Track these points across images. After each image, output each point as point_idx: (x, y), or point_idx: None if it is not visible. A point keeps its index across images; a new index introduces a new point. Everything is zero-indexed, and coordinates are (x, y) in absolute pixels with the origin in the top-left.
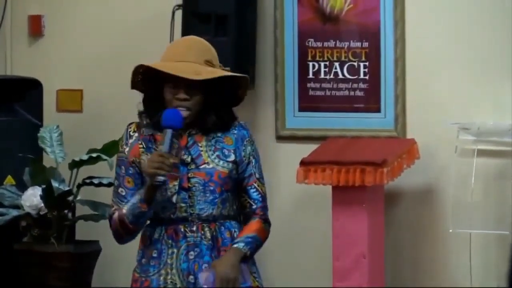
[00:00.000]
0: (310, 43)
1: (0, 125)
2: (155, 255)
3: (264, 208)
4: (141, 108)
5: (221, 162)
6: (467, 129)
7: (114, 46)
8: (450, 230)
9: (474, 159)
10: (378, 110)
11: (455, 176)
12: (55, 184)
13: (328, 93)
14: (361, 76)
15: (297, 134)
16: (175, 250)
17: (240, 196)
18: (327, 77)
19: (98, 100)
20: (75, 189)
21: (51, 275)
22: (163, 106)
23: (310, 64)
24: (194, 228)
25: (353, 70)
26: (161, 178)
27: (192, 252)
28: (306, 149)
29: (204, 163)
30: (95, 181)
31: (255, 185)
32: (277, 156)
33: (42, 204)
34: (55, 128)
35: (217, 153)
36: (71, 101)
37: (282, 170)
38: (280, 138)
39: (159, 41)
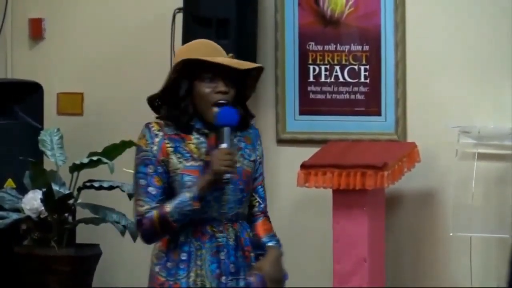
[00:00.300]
0: (310, 46)
1: (0, 128)
2: (184, 258)
3: (267, 206)
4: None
5: (246, 161)
6: (468, 132)
7: (114, 49)
8: (451, 234)
9: (474, 163)
10: (378, 113)
11: (456, 180)
12: (55, 187)
13: (328, 96)
14: (362, 79)
15: (298, 137)
16: (203, 252)
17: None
18: (328, 80)
19: (99, 103)
20: (75, 193)
21: (52, 279)
22: (191, 105)
23: (311, 67)
24: (221, 228)
25: (354, 74)
26: (229, 175)
27: (222, 253)
28: (306, 153)
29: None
30: (96, 184)
31: (263, 184)
32: (278, 160)
33: (43, 208)
34: (56, 131)
35: (241, 152)
36: (72, 104)
37: (282, 173)
38: (280, 141)
39: (159, 44)
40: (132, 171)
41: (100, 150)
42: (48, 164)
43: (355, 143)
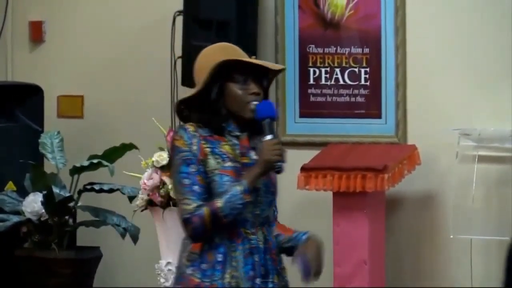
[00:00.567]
0: (311, 49)
1: (0, 131)
2: (219, 259)
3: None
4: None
5: None
6: (468, 135)
7: (114, 52)
8: (451, 236)
9: (475, 165)
10: (379, 116)
11: (456, 182)
12: (56, 190)
13: (329, 99)
14: (362, 82)
15: (298, 140)
16: (237, 253)
17: None
18: (328, 83)
19: (99, 106)
20: (76, 195)
21: (52, 281)
22: (224, 107)
23: (311, 70)
24: (253, 230)
25: (354, 76)
26: (281, 164)
27: (256, 255)
28: (307, 155)
29: None
30: (96, 187)
31: None
32: None
33: (43, 210)
34: (56, 134)
35: (256, 157)
36: (72, 107)
37: (283, 176)
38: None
39: (160, 47)
40: (133, 174)
41: (100, 153)
42: (49, 166)
43: (355, 145)
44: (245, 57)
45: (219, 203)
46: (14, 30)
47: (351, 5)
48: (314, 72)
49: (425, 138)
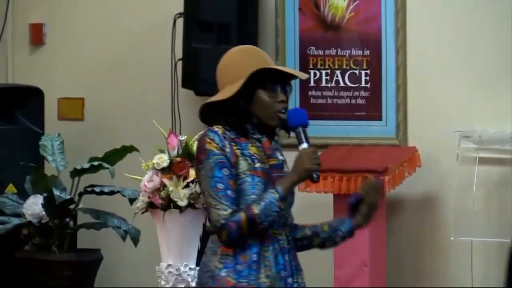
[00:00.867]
0: (311, 51)
1: (1, 133)
2: (255, 259)
3: None
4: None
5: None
6: (469, 137)
7: (115, 54)
8: (452, 238)
9: (475, 167)
10: (379, 118)
11: (457, 184)
12: (56, 192)
13: (329, 101)
14: (363, 84)
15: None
16: (269, 254)
17: None
18: (329, 85)
19: (99, 108)
20: (76, 198)
21: (53, 284)
22: (251, 111)
23: (312, 72)
24: (280, 231)
25: (355, 78)
26: (318, 173)
27: (286, 255)
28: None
29: (285, 167)
30: (97, 189)
31: None
32: None
33: (44, 213)
34: (56, 136)
35: (282, 157)
36: (72, 109)
37: None
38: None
39: (160, 49)
40: (134, 177)
41: (101, 155)
42: (49, 169)
43: (355, 147)
44: (273, 63)
45: (256, 209)
46: (14, 32)
47: (351, 7)
48: (315, 74)
49: (426, 140)
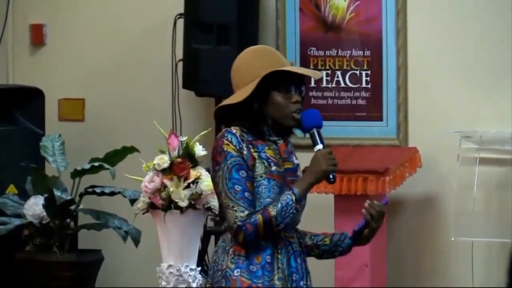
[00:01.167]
0: (312, 51)
1: (2, 134)
2: (269, 260)
3: None
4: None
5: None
6: (469, 137)
7: (116, 55)
8: (452, 238)
9: (476, 168)
10: (380, 118)
11: (457, 184)
12: (57, 193)
13: (330, 101)
14: (363, 84)
15: (300, 142)
16: (281, 256)
17: None
18: (329, 85)
19: (100, 109)
20: (77, 198)
21: (53, 284)
22: (266, 113)
23: None
24: (292, 234)
25: (355, 79)
26: (335, 174)
27: (299, 259)
28: (308, 158)
29: (299, 171)
30: (97, 190)
31: None
32: None
33: (44, 213)
34: (57, 137)
35: (296, 160)
36: (73, 110)
37: None
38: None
39: (160, 50)
40: (134, 177)
41: (101, 156)
42: (50, 170)
43: (356, 148)
44: (287, 64)
45: (273, 211)
46: (15, 33)
47: (352, 7)
48: None
49: (426, 140)
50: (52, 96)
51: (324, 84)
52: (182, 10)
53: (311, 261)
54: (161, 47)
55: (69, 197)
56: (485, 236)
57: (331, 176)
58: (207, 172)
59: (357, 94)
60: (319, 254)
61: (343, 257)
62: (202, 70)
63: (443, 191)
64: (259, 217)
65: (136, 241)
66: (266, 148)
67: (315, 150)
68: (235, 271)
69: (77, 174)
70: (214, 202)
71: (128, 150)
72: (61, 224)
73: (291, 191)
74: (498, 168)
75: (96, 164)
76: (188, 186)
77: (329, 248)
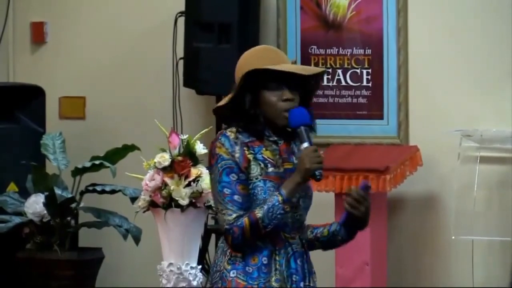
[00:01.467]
0: (313, 50)
1: (2, 132)
2: (265, 262)
3: None
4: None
5: None
6: (470, 136)
7: (116, 53)
8: (453, 237)
9: (477, 166)
10: (381, 117)
11: (458, 183)
12: (58, 191)
13: (331, 100)
14: (364, 83)
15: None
16: (280, 257)
17: None
18: (330, 84)
19: (101, 108)
20: (78, 196)
21: (54, 283)
22: (261, 113)
23: None
24: (293, 235)
25: (356, 77)
26: (321, 172)
27: (299, 259)
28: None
29: None
30: (98, 188)
31: None
32: None
33: (45, 211)
34: (58, 135)
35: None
36: (74, 108)
37: None
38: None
39: (161, 48)
40: (135, 176)
41: (102, 154)
42: (51, 168)
43: (357, 146)
44: (285, 62)
45: (259, 213)
46: (15, 31)
47: (353, 6)
48: None
49: (427, 139)
50: (53, 94)
51: (325, 83)
52: (183, 9)
53: (312, 259)
54: (162, 46)
55: (69, 195)
56: (486, 234)
57: (316, 174)
58: (207, 171)
59: (358, 92)
60: (321, 246)
61: (344, 255)
62: (203, 68)
63: (444, 189)
64: (245, 220)
65: (137, 239)
66: (264, 149)
67: (302, 148)
68: (231, 272)
69: (78, 172)
70: None
71: (128, 148)
72: (62, 222)
73: (278, 192)
74: (499, 166)
75: (97, 162)
76: (188, 184)
77: (328, 239)
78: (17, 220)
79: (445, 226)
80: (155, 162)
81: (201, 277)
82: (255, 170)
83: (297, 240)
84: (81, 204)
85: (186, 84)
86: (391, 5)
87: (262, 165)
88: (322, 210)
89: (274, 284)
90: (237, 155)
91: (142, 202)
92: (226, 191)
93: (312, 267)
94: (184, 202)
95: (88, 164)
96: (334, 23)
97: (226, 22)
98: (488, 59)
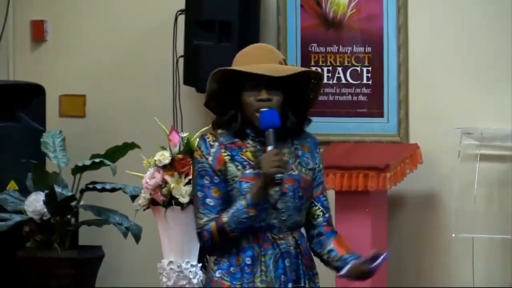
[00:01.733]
0: (313, 48)
1: (2, 131)
2: (248, 262)
3: (331, 218)
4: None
5: (303, 170)
6: (470, 134)
7: (117, 52)
8: (453, 235)
9: (477, 164)
10: (381, 115)
11: (458, 181)
12: (58, 189)
13: (331, 98)
14: (364, 81)
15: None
16: (266, 258)
17: (310, 204)
18: (330, 82)
19: (101, 106)
20: (78, 194)
21: (54, 281)
22: (240, 113)
23: (313, 69)
24: (282, 236)
25: (356, 75)
26: (281, 176)
27: (287, 260)
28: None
29: (291, 170)
30: (98, 186)
31: (325, 193)
32: None
33: (45, 210)
34: (58, 133)
35: (298, 160)
36: (74, 106)
37: None
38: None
39: (162, 46)
40: (135, 174)
41: (102, 152)
42: (51, 166)
43: (357, 144)
44: (267, 61)
45: (225, 217)
46: (15, 29)
47: (353, 4)
48: None
49: (427, 137)
50: (53, 92)
51: (325, 81)
52: (183, 7)
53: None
54: (162, 44)
55: (69, 193)
56: (486, 232)
57: (276, 178)
58: None
59: (358, 90)
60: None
61: None
62: (203, 66)
63: (444, 187)
64: (213, 224)
65: (137, 238)
66: (244, 150)
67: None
68: (217, 273)
69: (78, 170)
70: None
71: (129, 146)
72: (62, 220)
73: (243, 196)
74: (499, 164)
75: (97, 160)
76: (189, 182)
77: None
78: (17, 218)
79: (445, 223)
80: (155, 160)
81: (201, 275)
82: (231, 171)
83: (288, 240)
84: (81, 202)
85: (186, 82)
86: (391, 3)
87: (240, 166)
88: None
89: (259, 284)
90: (210, 158)
91: (142, 200)
92: (199, 194)
93: (312, 268)
94: (184, 200)
95: (88, 162)
96: (334, 21)
97: (226, 20)
98: (488, 57)
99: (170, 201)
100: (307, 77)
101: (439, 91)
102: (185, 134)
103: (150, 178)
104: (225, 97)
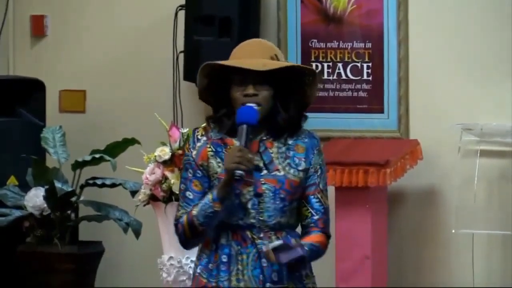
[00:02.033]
0: (313, 43)
1: (2, 126)
2: (224, 260)
3: (326, 221)
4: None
5: (292, 171)
6: (470, 130)
7: (117, 47)
8: (453, 231)
9: (477, 160)
10: (381, 111)
11: (458, 177)
12: (58, 184)
13: (331, 93)
14: (364, 77)
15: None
16: (244, 256)
17: (301, 205)
18: (330, 77)
19: (101, 101)
20: (78, 190)
21: (54, 276)
22: (232, 109)
23: (313, 64)
24: (262, 235)
25: (356, 71)
26: (240, 172)
27: (264, 259)
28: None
29: (276, 170)
30: (98, 181)
31: (318, 195)
32: None
33: (45, 205)
34: (58, 128)
35: (288, 161)
36: (74, 101)
37: None
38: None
39: (162, 42)
40: (135, 169)
41: (102, 148)
42: (51, 161)
43: (357, 140)
44: (255, 56)
45: (194, 211)
46: (15, 24)
47: (353, 0)
48: (317, 67)
49: (427, 133)
50: (53, 87)
51: (325, 76)
52: (183, 2)
53: None
54: (162, 39)
55: (70, 189)
56: (486, 228)
57: (236, 174)
58: None
59: (358, 86)
60: None
61: (344, 249)
62: (203, 62)
63: (444, 183)
64: (185, 217)
65: (137, 233)
66: (229, 147)
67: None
68: (198, 268)
69: (78, 165)
70: None
71: (129, 142)
72: (62, 216)
73: (211, 191)
74: (499, 160)
75: (97, 155)
76: None
77: None
78: (17, 213)
79: (446, 219)
80: (155, 156)
81: None
82: (214, 167)
83: (269, 241)
84: (81, 198)
85: (186, 78)
86: None
87: (221, 163)
88: None
89: (235, 282)
90: (194, 152)
91: (142, 195)
92: (182, 186)
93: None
94: None
95: (88, 158)
96: (335, 16)
97: (227, 16)
98: (489, 53)
99: (170, 196)
100: (302, 73)
101: (439, 87)
102: (185, 130)
103: (150, 173)
104: (217, 92)
